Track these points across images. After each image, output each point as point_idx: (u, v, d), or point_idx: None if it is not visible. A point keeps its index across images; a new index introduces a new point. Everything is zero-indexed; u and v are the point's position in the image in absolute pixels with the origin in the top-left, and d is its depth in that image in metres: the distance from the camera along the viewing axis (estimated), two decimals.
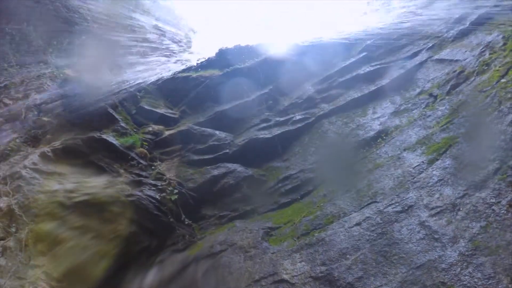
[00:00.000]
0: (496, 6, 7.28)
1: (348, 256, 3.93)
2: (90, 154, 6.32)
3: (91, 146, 6.39)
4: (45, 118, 7.32)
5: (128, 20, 12.26)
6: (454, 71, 6.22)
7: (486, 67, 5.65)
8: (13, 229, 5.10)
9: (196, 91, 7.76)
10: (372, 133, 5.97)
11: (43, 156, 6.20)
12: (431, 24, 8.41)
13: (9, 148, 6.58)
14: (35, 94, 8.18)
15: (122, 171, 6.25)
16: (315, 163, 5.99)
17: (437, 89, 6.25)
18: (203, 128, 6.95)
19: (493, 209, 3.41)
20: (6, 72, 8.55)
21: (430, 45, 7.62)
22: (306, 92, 7.27)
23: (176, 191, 5.92)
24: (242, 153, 6.57)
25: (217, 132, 6.87)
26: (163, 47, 14.23)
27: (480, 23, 7.12)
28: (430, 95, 6.26)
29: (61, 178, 5.86)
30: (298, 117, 6.84)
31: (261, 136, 6.65)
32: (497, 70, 5.27)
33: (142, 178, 6.11)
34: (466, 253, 3.25)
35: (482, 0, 7.72)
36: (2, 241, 4.97)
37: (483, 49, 6.13)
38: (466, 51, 6.60)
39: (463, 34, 7.21)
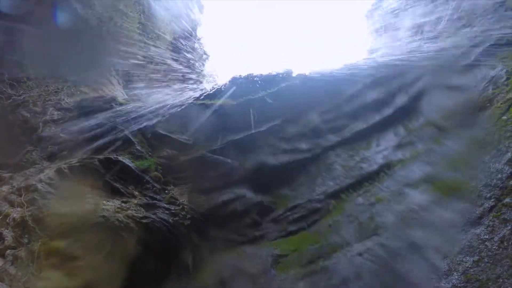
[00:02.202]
0: (500, 39, 7.61)
1: (349, 283, 4.28)
2: (106, 174, 6.64)
3: (107, 166, 6.76)
4: (62, 134, 7.69)
5: (144, 43, 12.95)
6: (460, 105, 6.53)
7: (488, 104, 5.94)
8: (25, 240, 5.35)
9: (210, 119, 8.22)
10: (375, 166, 6.37)
11: (60, 172, 6.50)
12: (437, 57, 8.73)
13: (24, 160, 6.93)
14: (53, 109, 8.53)
15: (136, 193, 6.61)
16: (322, 194, 6.38)
17: (443, 121, 6.56)
18: (216, 156, 7.38)
19: (486, 245, 3.76)
20: (25, 85, 8.79)
21: (437, 78, 7.86)
22: (313, 121, 7.71)
23: (189, 216, 6.32)
24: (251, 179, 6.98)
25: (229, 160, 7.29)
26: (177, 70, 14.91)
27: (485, 56, 7.40)
28: (435, 126, 6.59)
29: (79, 198, 6.15)
30: (304, 146, 7.26)
31: (271, 164, 7.07)
32: (499, 107, 5.56)
33: (156, 202, 6.49)
34: (459, 285, 3.60)
35: (487, 33, 8.08)
36: (13, 250, 5.21)
37: (487, 84, 6.40)
38: (470, 85, 6.87)
39: (468, 68, 7.45)
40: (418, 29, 11.27)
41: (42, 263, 5.24)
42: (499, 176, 4.27)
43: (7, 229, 5.46)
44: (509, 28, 7.79)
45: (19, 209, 5.70)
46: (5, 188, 6.14)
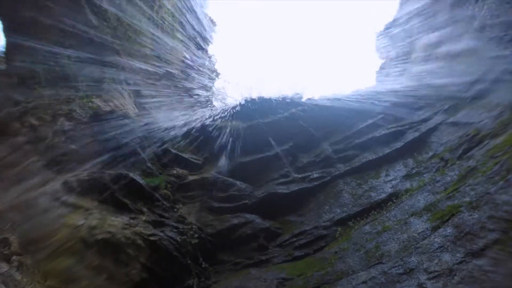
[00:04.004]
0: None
1: None
2: (115, 190, 6.91)
3: (117, 182, 7.03)
4: (72, 146, 7.95)
5: (156, 59, 13.48)
6: (468, 135, 6.80)
7: (502, 130, 6.02)
8: (31, 248, 5.49)
9: (220, 141, 8.69)
10: (383, 195, 6.64)
11: (66, 184, 6.71)
12: (450, 84, 9.04)
13: (27, 170, 7.03)
14: (64, 119, 8.61)
15: (145, 209, 6.86)
16: (328, 221, 6.63)
17: (448, 153, 6.84)
18: (225, 177, 7.75)
19: (488, 276, 3.94)
20: (36, 91, 8.76)
21: (446, 107, 8.29)
22: (324, 151, 8.10)
23: (196, 235, 6.57)
24: (261, 205, 7.28)
25: (238, 182, 7.65)
26: (188, 87, 15.42)
27: (503, 80, 7.53)
28: (442, 159, 6.84)
29: (86, 213, 6.31)
30: (315, 175, 7.60)
31: (280, 191, 7.41)
32: None
33: (164, 219, 6.76)
34: None
35: (503, 54, 8.06)
36: (19, 257, 5.36)
37: (503, 109, 6.51)
38: (483, 112, 7.10)
39: (482, 94, 7.76)
40: (433, 50, 11.34)
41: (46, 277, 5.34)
42: (505, 208, 4.37)
43: (14, 235, 5.66)
44: None
45: (17, 221, 5.90)
46: (6, 199, 6.33)
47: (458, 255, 4.38)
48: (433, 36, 11.51)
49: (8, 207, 6.13)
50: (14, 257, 5.35)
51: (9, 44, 8.81)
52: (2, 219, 5.90)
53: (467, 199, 5.13)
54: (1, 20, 8.83)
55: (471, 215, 4.79)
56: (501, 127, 6.10)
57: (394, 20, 14.34)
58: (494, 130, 6.18)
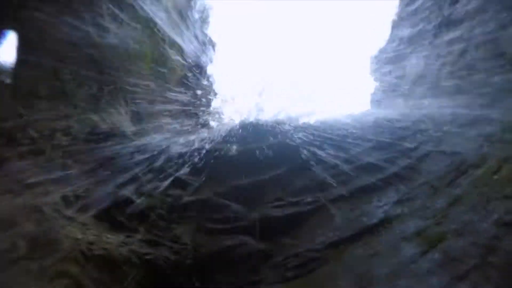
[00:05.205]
0: (497, 98, 7.80)
1: None
2: (111, 208, 7.18)
3: (113, 200, 7.33)
4: (68, 161, 8.14)
5: (154, 77, 13.84)
6: (455, 164, 7.10)
7: (482, 162, 6.38)
8: (38, 254, 5.56)
9: (216, 163, 9.03)
10: (375, 220, 6.85)
11: (65, 198, 6.98)
12: (436, 113, 9.44)
13: (32, 180, 7.16)
14: (61, 134, 8.75)
15: (141, 228, 7.06)
16: (321, 244, 6.80)
17: (437, 181, 7.11)
18: (220, 199, 7.98)
19: None
20: (36, 106, 8.76)
21: (434, 135, 8.59)
22: (318, 175, 8.38)
23: (191, 256, 6.75)
24: (254, 227, 7.43)
25: (232, 204, 7.87)
26: (185, 106, 15.73)
27: (481, 116, 7.79)
28: (431, 186, 7.10)
29: (84, 228, 6.52)
30: (309, 199, 7.84)
31: (274, 214, 7.64)
32: (491, 165, 5.97)
33: (159, 239, 6.92)
34: None
35: (485, 89, 8.28)
36: (26, 261, 5.39)
37: (482, 142, 6.89)
38: (466, 143, 7.41)
39: (464, 124, 8.08)
40: (421, 78, 11.56)
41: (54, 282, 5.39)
42: (485, 235, 4.75)
43: (22, 240, 5.72)
44: None
45: (27, 223, 6.05)
46: (19, 201, 6.52)
47: (444, 279, 4.71)
48: (422, 61, 11.73)
49: (19, 209, 6.31)
50: (21, 262, 5.42)
51: (17, 60, 8.99)
52: (13, 221, 6.07)
53: (454, 226, 5.48)
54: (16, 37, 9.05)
55: (456, 241, 5.15)
56: (481, 159, 6.49)
57: (387, 43, 14.77)
58: (476, 162, 6.56)
